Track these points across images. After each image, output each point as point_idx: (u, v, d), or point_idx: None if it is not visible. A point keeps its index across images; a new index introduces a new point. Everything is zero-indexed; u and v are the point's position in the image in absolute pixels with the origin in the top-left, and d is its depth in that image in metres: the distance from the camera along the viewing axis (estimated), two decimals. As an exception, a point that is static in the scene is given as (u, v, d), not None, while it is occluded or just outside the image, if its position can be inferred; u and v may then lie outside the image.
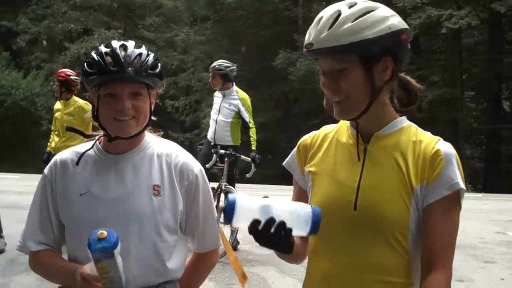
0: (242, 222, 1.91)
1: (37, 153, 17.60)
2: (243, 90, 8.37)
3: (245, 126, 8.10)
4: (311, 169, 2.11)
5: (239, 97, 8.09)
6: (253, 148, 7.98)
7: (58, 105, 8.32)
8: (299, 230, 1.92)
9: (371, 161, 1.99)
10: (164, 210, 2.32)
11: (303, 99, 27.23)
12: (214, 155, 7.64)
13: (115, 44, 2.29)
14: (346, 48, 1.87)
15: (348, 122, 2.09)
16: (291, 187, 2.26)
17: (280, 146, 24.59)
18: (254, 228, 1.87)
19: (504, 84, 29.77)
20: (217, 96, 8.28)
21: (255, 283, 6.44)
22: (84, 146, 2.41)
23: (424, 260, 1.94)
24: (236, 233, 7.55)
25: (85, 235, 2.06)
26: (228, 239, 7.36)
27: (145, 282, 2.29)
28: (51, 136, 8.41)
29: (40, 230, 2.39)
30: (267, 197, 1.97)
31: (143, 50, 2.30)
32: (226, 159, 7.61)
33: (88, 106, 7.53)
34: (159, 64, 2.32)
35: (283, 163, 2.24)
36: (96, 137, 2.43)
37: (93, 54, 2.27)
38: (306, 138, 2.20)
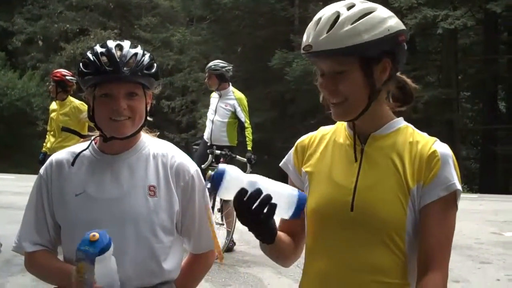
0: (227, 193, 1.89)
1: (32, 153, 17.58)
2: (239, 90, 8.36)
3: (241, 126, 8.09)
4: (308, 169, 2.11)
5: (235, 97, 8.08)
6: (249, 148, 7.97)
7: (53, 105, 8.31)
8: (282, 211, 1.91)
9: (368, 162, 1.99)
10: (160, 210, 2.31)
11: (299, 100, 27.23)
12: (210, 155, 7.64)
13: (111, 44, 2.28)
14: (345, 51, 1.86)
15: (345, 123, 2.09)
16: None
17: (276, 146, 24.60)
18: (240, 196, 1.84)
19: (500, 85, 29.84)
20: (214, 97, 8.27)
21: (251, 283, 6.43)
22: (79, 147, 2.41)
23: (420, 261, 1.94)
24: (232, 233, 7.55)
25: (80, 236, 2.06)
26: (224, 239, 7.39)
27: (141, 283, 2.29)
28: (47, 136, 8.40)
29: (36, 230, 2.38)
30: None
31: (138, 50, 2.29)
32: (221, 160, 7.60)
33: (84, 106, 7.51)
34: (155, 64, 2.32)
35: (280, 164, 2.24)
36: (92, 138, 2.42)
37: (89, 54, 2.26)
38: (304, 138, 2.20)
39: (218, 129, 8.07)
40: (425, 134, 2.03)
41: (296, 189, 1.97)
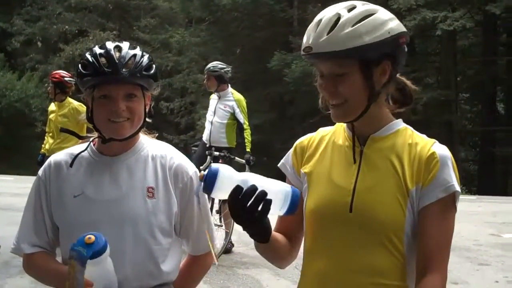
0: (221, 193, 1.89)
1: (31, 154, 17.55)
2: (238, 91, 8.36)
3: (240, 128, 8.09)
4: (307, 170, 2.11)
5: (234, 98, 8.09)
6: (248, 150, 7.98)
7: (52, 106, 8.30)
8: (277, 208, 1.91)
9: (367, 164, 1.99)
10: (158, 212, 2.31)
11: (298, 101, 27.21)
12: (208, 157, 7.65)
13: (110, 45, 2.28)
14: (345, 53, 1.86)
15: (344, 124, 2.09)
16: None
17: (274, 148, 24.57)
18: (236, 193, 1.83)
19: (499, 86, 29.84)
20: (213, 98, 8.28)
21: (249, 285, 6.44)
22: (78, 148, 2.40)
23: (419, 263, 1.93)
24: (231, 235, 7.55)
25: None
26: (222, 241, 7.38)
27: (140, 284, 2.29)
28: (46, 137, 8.39)
29: (34, 232, 2.38)
30: None
31: (137, 51, 2.29)
32: (220, 161, 7.59)
33: (82, 107, 7.52)
34: (154, 66, 2.32)
35: (278, 165, 2.24)
36: (91, 139, 2.42)
37: (88, 55, 2.26)
38: (303, 139, 2.19)
39: (217, 131, 8.07)
40: (424, 136, 2.03)
41: (289, 185, 1.98)
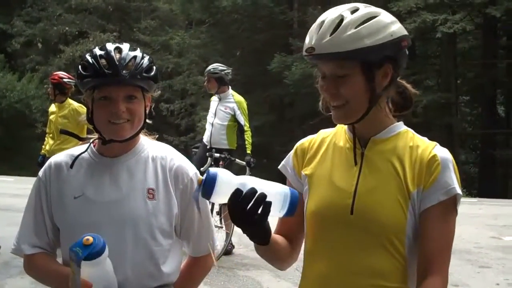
0: (219, 198, 1.88)
1: (31, 155, 17.56)
2: (238, 93, 8.35)
3: (240, 130, 8.09)
4: (308, 172, 2.10)
5: (235, 100, 8.08)
6: (248, 152, 7.97)
7: (52, 107, 8.31)
8: (276, 210, 1.90)
9: (368, 166, 1.99)
10: (158, 213, 2.31)
11: (298, 103, 27.22)
12: (209, 158, 7.64)
13: (110, 46, 2.28)
14: (347, 55, 1.86)
15: (345, 126, 2.09)
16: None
17: (274, 150, 24.56)
18: (236, 197, 1.82)
19: (499, 89, 29.84)
20: (214, 100, 8.28)
21: (250, 287, 6.43)
22: (78, 149, 2.40)
23: (420, 265, 1.93)
24: (231, 236, 7.54)
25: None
26: (223, 242, 7.37)
27: (140, 286, 2.28)
28: (46, 138, 8.40)
29: (35, 233, 2.38)
30: None
31: (138, 52, 2.29)
32: (220, 163, 7.60)
33: (82, 109, 7.52)
34: (154, 67, 2.32)
35: (279, 167, 2.23)
36: (91, 140, 2.42)
37: (88, 57, 2.26)
38: (304, 141, 2.19)
39: (218, 132, 8.07)
40: (425, 139, 2.03)
41: (288, 187, 1.97)
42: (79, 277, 2.03)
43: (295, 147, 2.20)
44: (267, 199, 1.83)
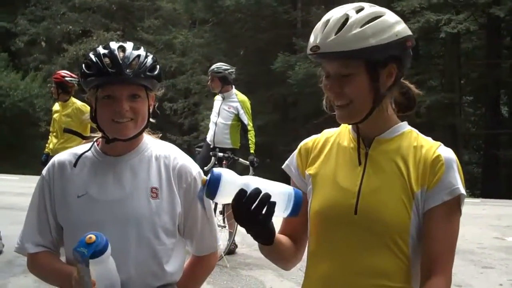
0: (223, 198, 1.88)
1: (35, 154, 17.56)
2: (242, 93, 8.35)
3: (244, 129, 8.09)
4: (312, 172, 2.10)
5: (238, 99, 8.08)
6: (252, 151, 7.97)
7: (56, 106, 8.32)
8: (280, 210, 1.90)
9: (372, 166, 1.99)
10: (162, 212, 2.31)
11: (301, 103, 27.18)
12: (213, 158, 7.63)
13: (114, 45, 2.28)
14: (352, 54, 1.86)
15: (349, 126, 2.09)
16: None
17: (278, 149, 24.55)
18: (240, 197, 1.81)
19: (503, 90, 29.76)
20: (217, 99, 8.27)
21: (253, 286, 6.43)
22: (82, 148, 2.40)
23: (424, 265, 1.93)
24: (234, 235, 7.53)
25: (82, 238, 2.06)
26: (226, 242, 7.37)
27: (143, 285, 2.28)
28: (50, 137, 8.41)
29: (38, 232, 2.38)
30: None
31: (141, 51, 2.28)
32: (224, 162, 7.60)
33: (86, 107, 7.53)
34: (158, 66, 2.31)
35: (283, 166, 2.23)
36: (94, 139, 2.42)
37: (91, 56, 2.26)
38: (308, 141, 2.19)
39: (221, 132, 8.07)
40: (429, 139, 2.03)
41: (292, 187, 1.97)
42: (89, 277, 2.03)
43: (299, 146, 2.20)
44: (272, 199, 1.83)
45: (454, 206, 1.93)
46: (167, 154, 2.40)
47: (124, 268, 2.19)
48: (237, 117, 8.04)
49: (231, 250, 7.58)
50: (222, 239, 6.74)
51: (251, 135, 8.04)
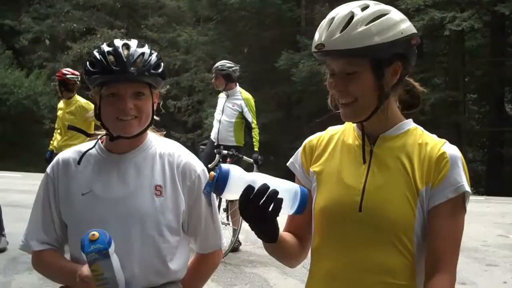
0: (231, 194, 1.87)
1: (39, 152, 17.60)
2: (246, 91, 8.34)
3: (248, 127, 8.08)
4: (317, 169, 2.10)
5: (242, 97, 8.07)
6: (255, 149, 7.96)
7: (61, 104, 8.34)
8: (286, 207, 1.90)
9: (377, 163, 1.98)
10: (166, 210, 2.31)
11: (305, 101, 27.17)
12: (217, 155, 7.63)
13: (118, 43, 2.28)
14: (358, 52, 1.86)
15: (354, 124, 2.08)
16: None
17: (282, 147, 24.53)
18: (248, 193, 1.81)
19: (507, 87, 29.69)
20: (221, 97, 8.27)
21: (257, 283, 6.43)
22: (86, 145, 2.40)
23: (428, 263, 1.93)
24: (238, 233, 7.53)
25: (87, 235, 2.06)
26: (230, 239, 7.37)
27: (147, 283, 2.29)
28: (54, 134, 8.43)
29: (43, 229, 2.38)
30: None
31: (145, 49, 2.28)
32: (228, 160, 7.59)
33: (89, 105, 7.54)
34: (162, 64, 2.31)
35: (287, 164, 2.23)
36: (98, 137, 2.42)
37: (96, 53, 2.26)
38: (312, 138, 2.19)
39: (225, 129, 8.06)
40: (434, 136, 2.03)
41: (297, 184, 1.97)
42: (112, 269, 2.05)
43: (303, 144, 2.19)
44: (278, 196, 1.83)
45: (458, 203, 1.93)
46: (171, 151, 2.40)
47: (128, 266, 2.19)
48: (241, 115, 8.04)
49: (235, 247, 7.58)
50: (226, 236, 6.76)
51: (255, 133, 8.03)
